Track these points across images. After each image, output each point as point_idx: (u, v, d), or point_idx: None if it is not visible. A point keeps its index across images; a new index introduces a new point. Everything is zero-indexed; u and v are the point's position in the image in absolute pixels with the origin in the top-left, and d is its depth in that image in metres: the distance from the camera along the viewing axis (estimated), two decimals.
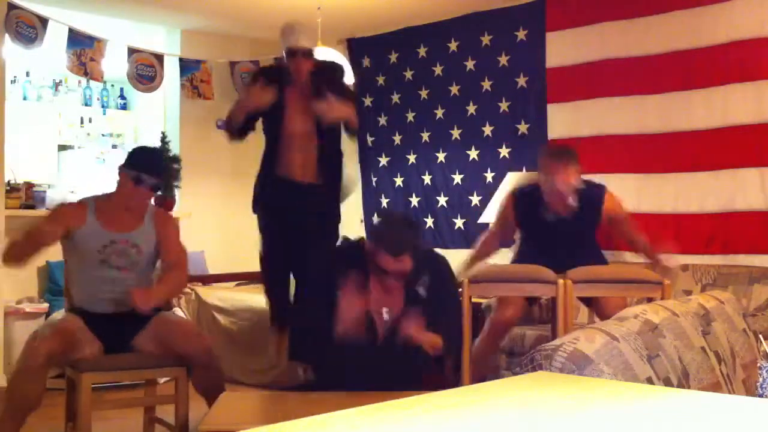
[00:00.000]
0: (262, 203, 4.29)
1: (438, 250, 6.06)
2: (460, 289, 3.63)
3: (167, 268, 3.68)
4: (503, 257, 4.85)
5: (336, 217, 4.34)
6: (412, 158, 6.34)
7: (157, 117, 6.85)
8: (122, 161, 3.65)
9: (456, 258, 5.99)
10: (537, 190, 3.96)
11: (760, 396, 1.94)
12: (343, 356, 3.10)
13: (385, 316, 3.16)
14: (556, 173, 3.82)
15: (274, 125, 4.17)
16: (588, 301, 3.95)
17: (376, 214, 6.51)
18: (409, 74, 6.34)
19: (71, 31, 5.59)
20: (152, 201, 3.80)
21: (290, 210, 4.13)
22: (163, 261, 3.69)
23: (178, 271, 3.68)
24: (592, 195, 3.96)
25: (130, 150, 3.82)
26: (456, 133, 6.09)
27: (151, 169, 3.59)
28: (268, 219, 4.26)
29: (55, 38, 5.55)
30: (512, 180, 5.30)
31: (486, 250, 4.22)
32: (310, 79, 4.16)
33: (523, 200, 4.06)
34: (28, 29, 5.34)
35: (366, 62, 6.57)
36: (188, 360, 3.48)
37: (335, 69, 4.38)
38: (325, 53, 5.19)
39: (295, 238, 4.13)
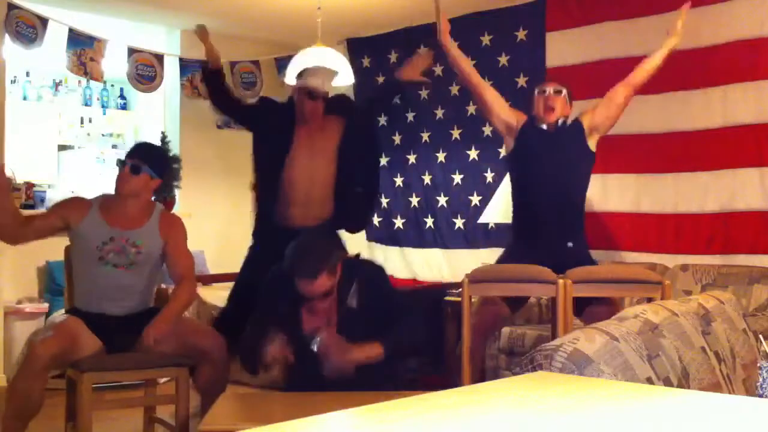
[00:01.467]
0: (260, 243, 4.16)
1: (437, 250, 6.11)
2: (460, 288, 3.62)
3: (176, 282, 3.66)
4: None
5: None
6: (412, 158, 6.34)
7: (157, 117, 6.85)
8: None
9: (456, 258, 6.03)
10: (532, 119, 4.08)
11: (760, 396, 1.94)
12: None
13: (314, 347, 3.09)
14: (547, 83, 4.10)
15: (273, 162, 4.02)
16: (579, 312, 3.90)
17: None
18: None
19: (71, 31, 5.59)
20: (153, 198, 3.78)
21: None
22: (171, 271, 3.66)
23: (188, 285, 3.64)
24: (577, 123, 4.08)
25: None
26: (456, 133, 6.09)
27: (143, 156, 3.59)
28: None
29: (55, 38, 5.55)
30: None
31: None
32: (323, 117, 4.06)
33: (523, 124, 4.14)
34: (28, 29, 5.34)
35: (366, 62, 6.57)
36: (205, 355, 3.47)
37: (342, 100, 4.31)
38: (325, 53, 5.20)
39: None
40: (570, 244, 3.92)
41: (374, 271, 3.38)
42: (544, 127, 3.99)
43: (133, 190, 3.56)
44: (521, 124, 4.07)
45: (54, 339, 3.31)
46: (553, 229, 3.88)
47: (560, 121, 3.99)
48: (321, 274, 3.01)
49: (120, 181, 3.55)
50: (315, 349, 3.07)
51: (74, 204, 3.61)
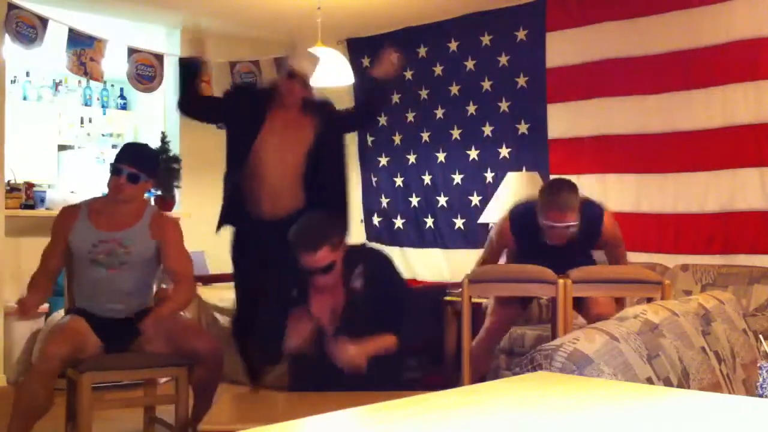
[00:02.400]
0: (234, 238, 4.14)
1: (437, 250, 6.11)
2: (460, 288, 3.62)
3: (173, 281, 3.66)
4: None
5: None
6: (412, 158, 6.34)
7: (157, 117, 6.85)
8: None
9: (456, 258, 6.03)
10: (534, 213, 3.74)
11: (760, 396, 1.94)
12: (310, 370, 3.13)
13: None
14: (553, 215, 3.63)
15: (243, 146, 3.93)
16: (578, 308, 3.88)
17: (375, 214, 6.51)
18: (409, 74, 6.33)
19: (71, 31, 5.59)
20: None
21: (259, 251, 3.89)
22: (167, 271, 3.65)
23: (185, 286, 3.64)
24: (592, 215, 3.79)
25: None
26: (456, 133, 6.09)
27: (123, 158, 3.57)
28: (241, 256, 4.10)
29: (55, 38, 5.54)
30: (511, 179, 5.30)
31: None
32: (301, 108, 3.96)
33: (520, 222, 3.87)
34: (28, 29, 5.34)
35: (366, 62, 6.56)
36: (198, 357, 3.47)
37: (326, 104, 4.17)
38: (324, 53, 5.19)
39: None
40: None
41: (381, 258, 3.39)
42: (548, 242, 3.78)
43: (131, 197, 3.57)
44: (510, 237, 3.89)
45: (64, 339, 3.32)
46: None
47: (569, 235, 3.72)
48: (322, 247, 3.05)
49: (117, 189, 3.53)
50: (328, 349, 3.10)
51: (64, 217, 3.61)
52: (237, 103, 4.05)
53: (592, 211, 3.79)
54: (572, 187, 3.70)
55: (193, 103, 4.12)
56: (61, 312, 3.86)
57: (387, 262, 3.38)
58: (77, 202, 3.72)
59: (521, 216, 3.87)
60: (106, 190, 3.69)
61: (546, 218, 3.64)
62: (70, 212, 3.62)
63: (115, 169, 3.54)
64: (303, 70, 3.94)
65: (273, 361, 3.28)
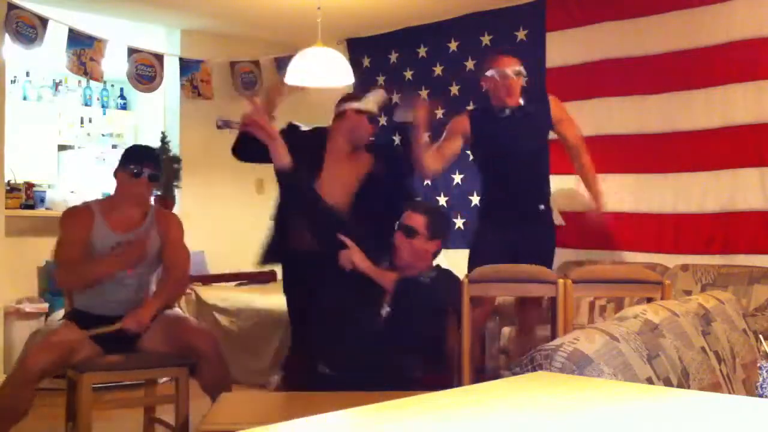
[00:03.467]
0: None
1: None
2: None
3: (165, 272, 3.67)
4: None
5: None
6: None
7: (157, 117, 6.85)
8: (119, 161, 3.67)
9: (456, 258, 6.01)
10: (487, 100, 4.16)
11: (760, 396, 1.94)
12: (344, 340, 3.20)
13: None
14: (502, 61, 4.11)
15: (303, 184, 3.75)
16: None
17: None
18: (409, 74, 6.33)
19: (71, 31, 5.59)
20: (152, 200, 3.80)
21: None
22: (165, 264, 3.68)
23: (174, 281, 3.66)
24: (540, 98, 4.21)
25: (126, 149, 3.84)
26: None
27: (141, 160, 3.60)
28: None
29: (55, 38, 5.54)
30: None
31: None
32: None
33: (475, 112, 4.32)
34: (28, 29, 5.34)
35: (366, 62, 6.57)
36: (198, 355, 3.48)
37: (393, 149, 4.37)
38: (325, 53, 5.19)
39: None
40: (542, 207, 4.11)
41: (454, 281, 3.56)
42: (507, 112, 4.05)
43: (149, 198, 3.65)
44: (466, 120, 4.18)
45: (44, 352, 3.32)
46: (523, 196, 4.06)
47: (522, 102, 4.08)
48: (424, 216, 3.40)
49: (138, 191, 3.57)
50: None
51: (82, 217, 3.59)
52: (293, 144, 3.73)
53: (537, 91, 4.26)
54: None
55: (250, 148, 3.77)
56: (61, 312, 3.86)
57: (455, 287, 3.53)
58: (85, 203, 3.71)
59: (475, 108, 4.41)
60: (107, 191, 3.70)
61: (495, 67, 4.09)
62: (84, 213, 3.60)
63: (136, 172, 3.55)
64: (369, 108, 3.89)
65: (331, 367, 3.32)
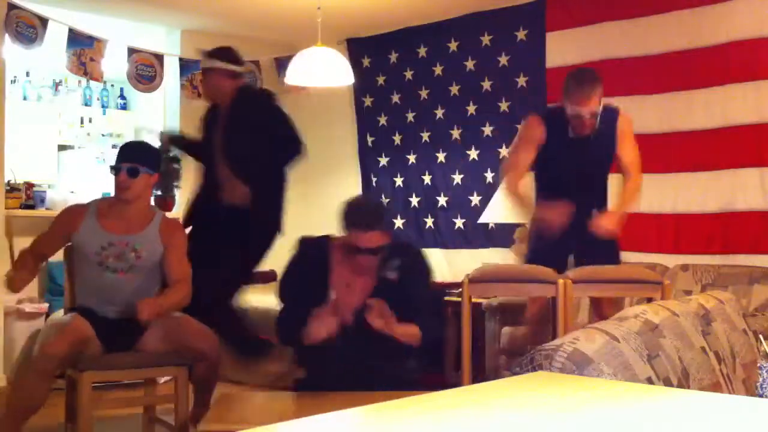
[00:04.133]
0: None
1: (437, 250, 6.11)
2: (460, 289, 3.62)
3: (173, 283, 3.62)
4: (505, 256, 4.84)
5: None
6: (412, 158, 6.34)
7: (157, 117, 6.85)
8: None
9: (456, 258, 6.03)
10: (562, 111, 3.92)
11: (760, 396, 1.94)
12: (324, 357, 3.10)
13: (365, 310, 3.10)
14: (580, 99, 3.81)
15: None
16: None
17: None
18: (409, 74, 6.34)
19: (71, 31, 5.59)
20: (152, 201, 3.78)
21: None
22: (168, 276, 3.63)
23: (182, 288, 3.62)
24: (609, 116, 3.96)
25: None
26: (456, 133, 6.09)
27: (136, 157, 3.57)
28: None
29: (55, 38, 5.54)
30: None
31: (515, 181, 4.01)
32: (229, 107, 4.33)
33: (550, 118, 4.01)
34: (28, 29, 5.34)
35: (366, 62, 6.57)
36: (199, 355, 3.48)
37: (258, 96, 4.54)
38: (324, 53, 5.20)
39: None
40: (595, 211, 3.95)
41: (419, 256, 3.36)
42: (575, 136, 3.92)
43: (136, 194, 3.54)
44: (541, 130, 3.97)
45: (63, 339, 3.30)
46: (580, 203, 3.89)
47: (596, 125, 3.90)
48: (375, 227, 3.11)
49: (120, 187, 3.53)
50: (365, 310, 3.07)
51: (70, 214, 3.60)
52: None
53: (608, 113, 3.96)
54: (596, 78, 3.90)
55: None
56: (61, 312, 3.86)
57: (422, 261, 3.36)
58: (85, 202, 3.71)
59: (550, 111, 4.13)
60: (107, 191, 3.70)
61: (572, 103, 3.82)
62: (76, 211, 3.61)
63: (115, 168, 3.55)
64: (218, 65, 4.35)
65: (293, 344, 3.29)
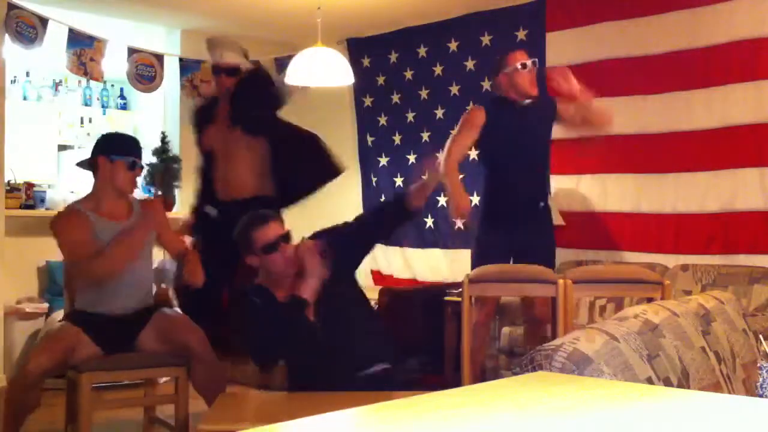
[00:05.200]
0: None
1: (437, 250, 6.11)
2: (460, 289, 3.63)
3: (181, 257, 3.67)
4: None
5: None
6: (412, 158, 6.34)
7: (157, 117, 6.85)
8: (99, 149, 3.61)
9: (456, 258, 6.03)
10: (501, 97, 4.25)
11: (760, 396, 1.94)
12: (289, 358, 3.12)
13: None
14: (522, 56, 4.20)
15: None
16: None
17: None
18: (409, 74, 6.33)
19: (71, 31, 5.59)
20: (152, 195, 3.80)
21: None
22: (171, 253, 3.71)
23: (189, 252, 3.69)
24: (548, 100, 4.28)
25: (102, 136, 3.80)
26: None
27: (137, 151, 3.62)
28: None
29: (55, 38, 5.54)
30: None
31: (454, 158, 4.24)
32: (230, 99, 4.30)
33: (489, 103, 4.35)
34: (28, 29, 5.34)
35: (366, 62, 6.56)
36: (188, 351, 3.47)
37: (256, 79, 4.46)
38: (325, 53, 5.19)
39: None
40: (542, 204, 4.16)
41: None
42: (526, 102, 4.11)
43: (120, 184, 3.57)
44: (483, 112, 4.21)
45: (46, 354, 3.31)
46: (524, 192, 4.11)
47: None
48: (270, 220, 3.16)
49: (128, 182, 3.56)
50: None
51: (80, 220, 3.50)
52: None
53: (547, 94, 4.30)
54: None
55: None
56: (61, 313, 3.85)
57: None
58: (70, 207, 3.65)
59: (488, 98, 4.52)
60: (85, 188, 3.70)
61: (515, 58, 4.21)
62: (78, 216, 3.51)
63: (131, 164, 3.54)
64: (227, 60, 4.30)
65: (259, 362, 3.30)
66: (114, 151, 3.56)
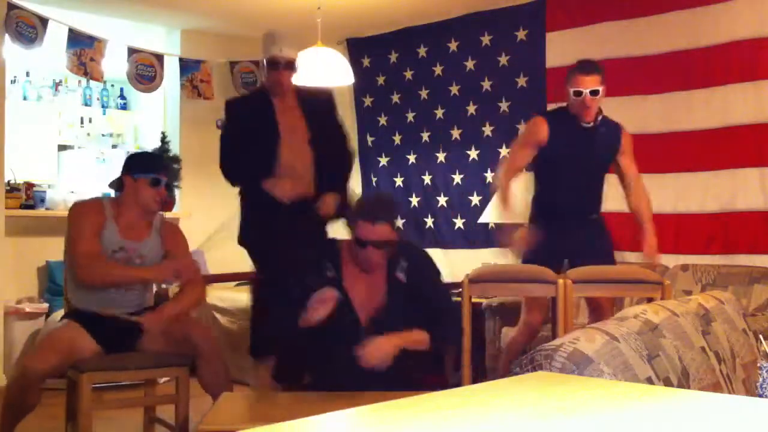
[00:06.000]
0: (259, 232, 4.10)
1: (437, 250, 6.11)
2: (460, 288, 3.63)
3: (184, 284, 3.66)
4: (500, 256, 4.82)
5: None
6: (412, 158, 6.34)
7: (157, 117, 6.85)
8: (126, 168, 3.64)
9: (456, 258, 6.03)
10: (565, 110, 3.97)
11: (760, 396, 1.94)
12: (330, 359, 3.06)
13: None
14: (581, 78, 3.85)
15: (267, 153, 3.96)
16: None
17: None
18: (409, 74, 6.34)
19: (71, 31, 5.59)
20: (160, 209, 3.77)
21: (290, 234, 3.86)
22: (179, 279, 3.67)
23: (195, 287, 3.65)
24: (614, 124, 4.03)
25: (128, 156, 3.83)
26: (456, 133, 6.09)
27: (158, 168, 3.64)
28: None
29: (55, 38, 5.54)
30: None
31: (508, 176, 4.03)
32: (296, 101, 4.04)
33: (553, 117, 4.03)
34: (28, 29, 5.34)
35: (366, 62, 6.57)
36: (194, 348, 3.47)
37: (325, 96, 4.29)
38: (324, 53, 5.20)
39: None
40: (594, 216, 4.00)
41: (424, 255, 3.31)
42: (583, 124, 3.94)
43: (148, 204, 3.59)
44: (545, 130, 3.97)
45: (46, 354, 3.32)
46: (578, 206, 3.95)
47: (598, 119, 3.95)
48: (382, 220, 3.00)
49: (156, 200, 3.57)
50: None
51: (95, 212, 3.54)
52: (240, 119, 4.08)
53: (613, 122, 4.03)
54: (597, 64, 3.97)
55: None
56: (62, 312, 3.85)
57: (428, 259, 3.31)
58: (96, 199, 3.71)
59: (554, 111, 4.19)
60: (107, 191, 3.69)
61: (573, 84, 3.86)
62: (96, 209, 3.56)
63: (155, 181, 3.56)
64: (286, 54, 3.97)
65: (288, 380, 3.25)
66: (137, 169, 3.60)
